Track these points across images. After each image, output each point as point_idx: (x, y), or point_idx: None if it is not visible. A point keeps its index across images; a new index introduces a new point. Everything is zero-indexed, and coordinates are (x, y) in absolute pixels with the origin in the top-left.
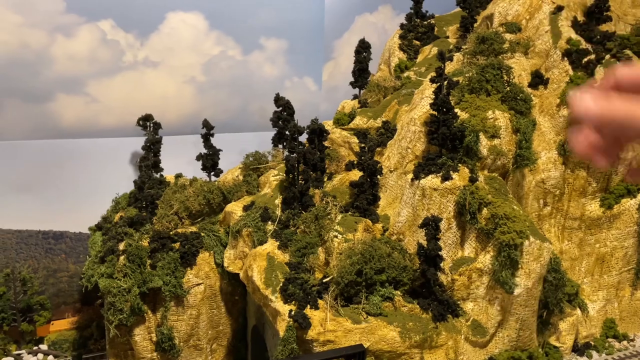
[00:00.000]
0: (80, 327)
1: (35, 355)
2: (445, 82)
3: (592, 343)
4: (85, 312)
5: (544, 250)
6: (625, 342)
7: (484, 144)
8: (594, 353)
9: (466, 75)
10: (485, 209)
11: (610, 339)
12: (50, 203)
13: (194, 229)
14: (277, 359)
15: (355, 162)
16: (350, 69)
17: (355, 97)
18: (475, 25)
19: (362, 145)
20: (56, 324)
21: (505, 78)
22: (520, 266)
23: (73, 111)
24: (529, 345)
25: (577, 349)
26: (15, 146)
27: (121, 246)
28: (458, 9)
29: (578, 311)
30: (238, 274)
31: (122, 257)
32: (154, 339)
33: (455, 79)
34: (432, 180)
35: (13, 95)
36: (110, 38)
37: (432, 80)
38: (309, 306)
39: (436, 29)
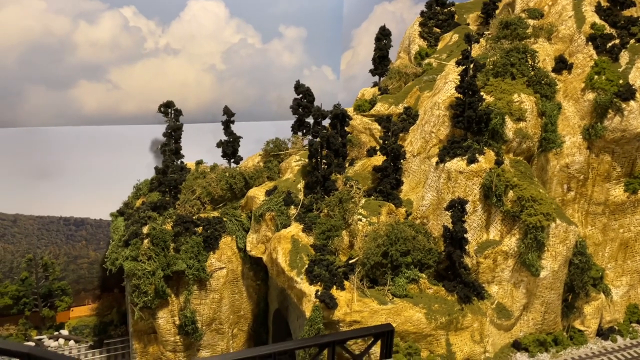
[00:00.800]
0: (100, 314)
1: (57, 340)
2: (472, 65)
3: (616, 327)
4: (105, 299)
5: (570, 232)
6: None
7: (510, 127)
8: (619, 337)
9: (490, 59)
10: (511, 191)
11: (633, 324)
12: (71, 189)
13: (216, 213)
14: (304, 338)
15: (376, 148)
16: (368, 58)
17: (375, 84)
18: (496, 12)
19: (385, 129)
20: (76, 310)
21: (530, 62)
22: (546, 248)
23: (95, 98)
24: (553, 328)
25: (601, 333)
26: (38, 132)
27: (145, 230)
28: None
29: (602, 295)
30: (260, 259)
31: (146, 241)
32: (177, 322)
33: (483, 63)
34: (457, 163)
35: (36, 81)
36: (132, 25)
37: (458, 63)
38: (335, 287)
39: (456, 16)
